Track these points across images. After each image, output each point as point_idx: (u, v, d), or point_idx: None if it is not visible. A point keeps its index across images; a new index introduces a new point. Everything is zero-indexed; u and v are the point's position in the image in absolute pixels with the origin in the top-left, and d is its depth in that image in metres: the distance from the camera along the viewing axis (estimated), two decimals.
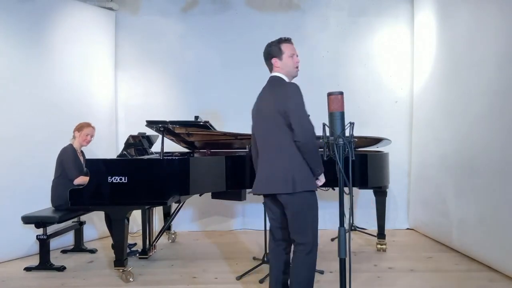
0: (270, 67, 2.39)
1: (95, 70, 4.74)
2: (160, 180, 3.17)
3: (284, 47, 2.32)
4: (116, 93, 5.08)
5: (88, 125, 3.88)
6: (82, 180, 3.63)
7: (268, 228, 2.57)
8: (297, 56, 2.35)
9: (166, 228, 4.34)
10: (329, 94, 1.79)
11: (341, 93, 1.78)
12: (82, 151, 3.95)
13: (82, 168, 3.77)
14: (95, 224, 4.58)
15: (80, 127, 3.85)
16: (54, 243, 3.91)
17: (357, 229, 4.73)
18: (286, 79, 2.33)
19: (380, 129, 4.70)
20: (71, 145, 3.82)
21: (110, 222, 3.74)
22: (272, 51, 2.34)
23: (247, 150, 3.90)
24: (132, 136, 3.94)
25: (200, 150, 4.37)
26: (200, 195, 4.10)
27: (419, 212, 4.78)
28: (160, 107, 5.07)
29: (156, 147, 4.13)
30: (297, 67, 2.33)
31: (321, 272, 3.35)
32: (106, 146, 4.78)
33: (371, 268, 3.53)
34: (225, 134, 3.77)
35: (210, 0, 5.09)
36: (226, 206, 5.04)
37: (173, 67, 5.13)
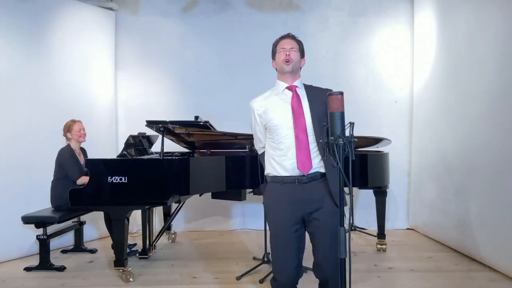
0: None
1: (95, 70, 4.74)
2: (160, 180, 3.17)
3: (278, 46, 2.13)
4: (116, 93, 5.08)
5: (73, 121, 3.85)
6: (85, 180, 3.62)
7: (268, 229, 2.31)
8: (291, 49, 2.09)
9: (166, 228, 4.34)
10: (329, 94, 1.78)
11: (341, 93, 1.77)
12: (82, 149, 3.94)
13: (82, 168, 3.76)
14: (95, 224, 4.58)
15: (68, 127, 3.82)
16: (54, 243, 3.91)
17: (357, 229, 4.73)
18: (281, 82, 2.13)
19: (380, 129, 4.70)
20: (68, 146, 3.81)
21: (110, 222, 3.73)
22: (271, 54, 2.19)
23: (247, 150, 3.90)
24: (132, 136, 3.93)
25: (200, 150, 4.37)
26: (200, 195, 4.10)
27: (419, 212, 4.78)
28: (160, 107, 5.07)
29: (156, 147, 4.13)
30: (287, 61, 2.06)
31: None
32: (106, 146, 4.78)
33: (371, 268, 3.53)
34: (225, 134, 3.77)
35: (210, 0, 5.09)
36: (226, 206, 5.04)
37: (173, 67, 5.13)
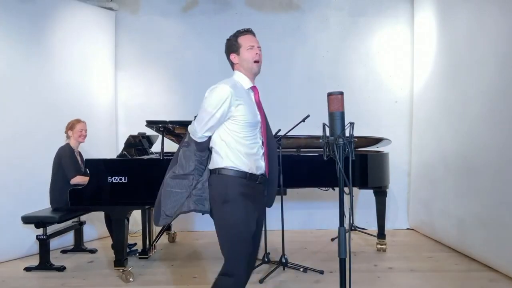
0: (232, 66, 2.06)
1: (95, 70, 4.74)
2: (160, 180, 3.17)
3: (242, 39, 1.98)
4: (116, 93, 5.08)
5: (78, 121, 3.86)
6: (79, 179, 3.63)
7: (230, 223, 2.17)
8: (258, 48, 1.99)
9: (166, 228, 4.34)
10: (329, 94, 1.79)
11: (341, 93, 1.78)
12: (79, 152, 3.94)
13: (79, 168, 3.76)
14: (95, 224, 4.58)
15: (71, 125, 3.83)
16: (54, 243, 3.91)
17: (357, 229, 4.73)
18: (246, 79, 2.00)
19: (380, 129, 4.70)
20: (68, 144, 3.81)
21: (110, 222, 3.73)
22: (229, 46, 2.03)
23: None
24: (132, 136, 3.94)
25: None
26: None
27: (419, 212, 4.78)
28: (160, 107, 5.08)
29: (156, 147, 4.13)
30: (256, 61, 1.96)
31: (321, 272, 3.35)
32: (106, 146, 4.78)
33: (371, 268, 3.53)
34: None
35: (210, 0, 5.09)
36: None
37: (173, 67, 5.13)
